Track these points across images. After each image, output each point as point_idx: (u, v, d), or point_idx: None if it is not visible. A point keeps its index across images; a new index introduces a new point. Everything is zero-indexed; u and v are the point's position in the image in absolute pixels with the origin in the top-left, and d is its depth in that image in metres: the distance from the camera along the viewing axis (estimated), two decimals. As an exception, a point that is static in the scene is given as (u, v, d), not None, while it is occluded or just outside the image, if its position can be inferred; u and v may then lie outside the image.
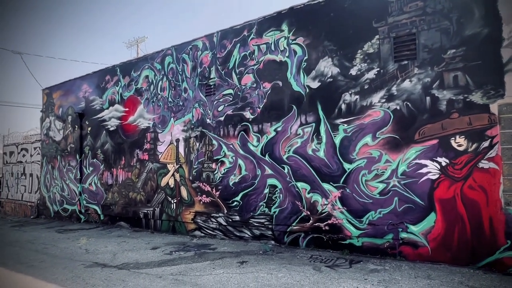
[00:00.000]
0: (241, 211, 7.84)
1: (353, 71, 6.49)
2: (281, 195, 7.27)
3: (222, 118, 8.32)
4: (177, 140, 9.23)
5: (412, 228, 5.72)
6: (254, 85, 7.80)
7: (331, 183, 6.62)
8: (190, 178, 8.88)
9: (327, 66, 6.79)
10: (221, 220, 8.20)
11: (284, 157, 7.26)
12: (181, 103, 9.24)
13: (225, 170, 8.18)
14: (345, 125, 6.52)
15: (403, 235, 5.79)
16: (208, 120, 8.60)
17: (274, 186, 7.37)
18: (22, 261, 7.03)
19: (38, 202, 13.95)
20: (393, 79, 6.06)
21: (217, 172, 8.33)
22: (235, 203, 7.96)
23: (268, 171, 7.48)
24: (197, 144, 8.80)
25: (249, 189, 7.73)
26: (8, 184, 16.35)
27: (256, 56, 7.80)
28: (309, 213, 6.86)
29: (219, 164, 8.31)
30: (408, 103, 5.89)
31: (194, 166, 8.81)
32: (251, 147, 7.77)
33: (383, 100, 6.13)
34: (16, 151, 15.95)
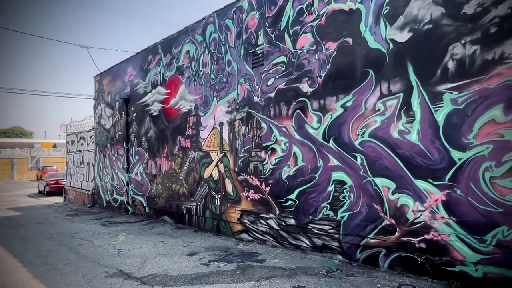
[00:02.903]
0: (297, 213, 6.08)
1: (468, 8, 4.19)
2: (351, 195, 5.32)
3: (272, 94, 6.56)
4: (221, 124, 7.74)
5: None
6: (314, 48, 5.86)
7: (429, 180, 4.47)
8: (236, 169, 7.33)
9: (423, 7, 4.57)
10: (272, 223, 6.53)
11: (356, 143, 5.26)
12: (224, 79, 7.68)
13: (277, 160, 6.45)
14: (454, 93, 4.28)
15: None
16: (255, 98, 6.91)
17: (342, 182, 5.44)
18: (48, 262, 6.24)
19: (93, 191, 13.84)
20: (547, 11, 3.66)
21: (267, 163, 6.64)
22: (290, 202, 6.21)
23: (333, 161, 5.56)
24: (243, 128, 7.19)
25: (308, 185, 5.91)
26: (71, 172, 16.78)
27: (315, 9, 5.82)
28: (393, 222, 4.81)
29: (269, 152, 6.61)
30: None
31: (240, 155, 7.24)
32: (310, 130, 5.90)
33: (526, 49, 3.78)
34: (76, 140, 16.20)
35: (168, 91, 9.44)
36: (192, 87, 8.60)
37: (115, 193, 12.11)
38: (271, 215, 6.54)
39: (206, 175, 8.14)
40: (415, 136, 4.62)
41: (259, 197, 6.81)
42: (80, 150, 15.75)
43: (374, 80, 5.05)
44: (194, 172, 8.50)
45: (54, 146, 43.73)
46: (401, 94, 4.76)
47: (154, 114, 9.98)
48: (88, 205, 14.02)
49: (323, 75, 5.73)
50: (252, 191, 6.95)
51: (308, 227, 5.89)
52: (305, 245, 5.97)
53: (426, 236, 4.47)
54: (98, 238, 7.96)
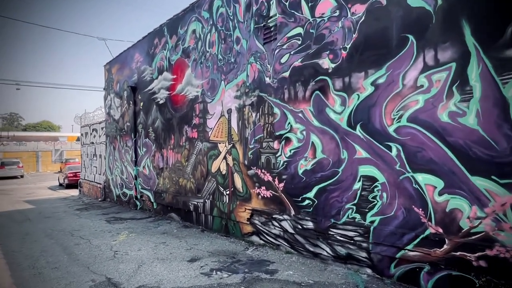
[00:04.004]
0: (316, 215, 5.07)
1: None
2: (384, 195, 4.25)
3: (286, 74, 5.53)
4: (229, 111, 6.80)
5: None
6: (336, 13, 4.76)
7: (493, 177, 3.34)
8: (245, 162, 6.40)
9: None
10: (286, 225, 5.56)
11: (391, 130, 4.17)
12: (232, 60, 6.71)
13: (292, 151, 5.45)
14: (533, 57, 3.11)
15: None
16: (267, 79, 5.91)
17: (372, 179, 4.38)
18: (37, 264, 5.59)
19: (105, 184, 13.36)
20: None
21: (280, 155, 5.65)
22: (307, 201, 5.21)
23: (361, 153, 4.50)
24: (253, 114, 6.22)
25: (329, 182, 4.89)
26: (85, 165, 16.48)
27: (339, -35, 4.71)
28: (441, 230, 3.72)
29: (282, 142, 5.61)
30: None
31: (250, 146, 6.29)
32: (332, 115, 4.85)
33: None
34: (89, 132, 15.82)
35: (174, 76, 8.60)
36: (198, 70, 7.69)
37: (124, 187, 11.52)
38: (285, 216, 5.56)
39: (213, 168, 7.26)
40: (472, 119, 3.48)
41: (271, 194, 5.85)
42: (93, 143, 15.35)
43: (416, 48, 3.92)
44: (201, 166, 7.64)
45: (78, 139, 44.58)
46: (453, 64, 3.62)
47: (161, 102, 9.18)
48: (99, 199, 13.59)
49: (348, 46, 4.63)
50: (263, 187, 6.00)
51: (329, 232, 4.87)
52: (325, 253, 4.97)
53: (488, 252, 3.36)
54: (97, 237, 7.30)
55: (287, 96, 5.53)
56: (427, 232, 3.83)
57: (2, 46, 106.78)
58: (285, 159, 5.56)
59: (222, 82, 6.96)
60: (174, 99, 8.60)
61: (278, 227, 5.71)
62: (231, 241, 6.52)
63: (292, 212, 5.45)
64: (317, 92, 5.05)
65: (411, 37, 3.96)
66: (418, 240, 3.89)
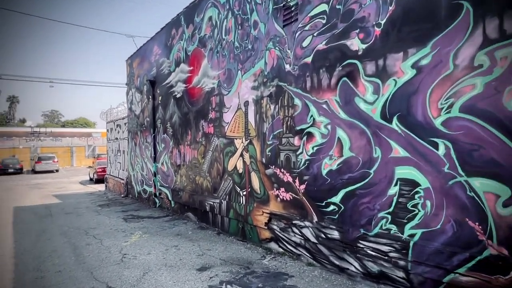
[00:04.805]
0: (343, 223, 4.33)
1: None
2: (428, 203, 3.45)
3: (308, 59, 4.80)
4: (246, 104, 6.17)
5: None
6: (368, -17, 3.97)
7: None
8: (263, 160, 5.74)
9: None
10: (308, 233, 4.86)
11: (438, 122, 3.35)
12: (249, 46, 6.06)
13: (315, 148, 4.73)
14: None
15: None
16: (287, 67, 5.21)
17: (412, 183, 3.58)
18: (42, 267, 5.30)
19: (127, 180, 13.25)
20: None
21: (302, 152, 4.94)
22: (332, 207, 4.48)
23: (398, 151, 3.70)
24: (272, 107, 5.54)
25: (358, 185, 4.13)
26: (110, 161, 16.57)
27: None
28: (506, 252, 2.88)
29: (304, 138, 4.90)
30: None
31: (268, 142, 5.62)
32: (362, 106, 4.08)
33: None
34: (114, 127, 15.84)
35: (191, 68, 8.09)
36: (214, 60, 7.12)
37: (144, 183, 11.27)
38: (307, 223, 4.86)
39: (230, 166, 6.67)
40: (555, 107, 2.61)
41: (291, 197, 5.16)
42: (117, 138, 15.34)
43: (472, 18, 3.07)
44: (218, 163, 7.08)
45: (110, 135, 45.94)
46: (526, 35, 2.75)
47: (178, 96, 8.73)
48: (122, 195, 13.51)
49: (382, 22, 3.83)
50: (282, 189, 5.33)
51: (358, 244, 4.12)
52: (353, 268, 4.23)
53: None
54: (110, 237, 6.98)
55: (309, 85, 4.80)
56: (486, 253, 2.99)
57: (37, 46, 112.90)
58: (307, 157, 4.84)
59: (239, 72, 6.34)
60: (191, 92, 8.10)
61: (299, 235, 5.02)
62: (247, 247, 5.92)
63: (315, 219, 4.74)
64: (345, 78, 4.28)
65: (466, 3, 3.11)
66: (473, 262, 3.07)
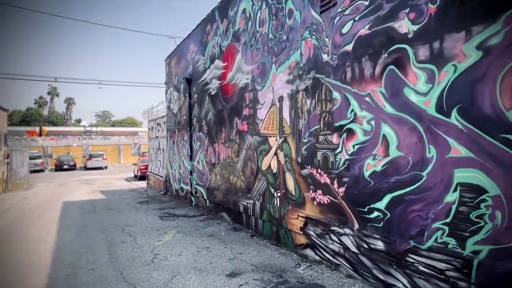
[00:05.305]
0: (389, 233, 3.78)
1: None
2: (498, 214, 2.81)
3: (349, 47, 4.28)
4: (281, 99, 5.77)
5: None
6: (421, -47, 3.37)
7: None
8: (299, 159, 5.31)
9: None
10: (347, 241, 4.35)
11: (511, 115, 2.71)
12: (284, 37, 5.65)
13: (356, 147, 4.21)
14: None
15: None
16: (324, 57, 4.72)
17: (476, 189, 2.96)
18: (76, 264, 5.35)
19: (166, 178, 13.46)
20: None
21: (341, 151, 4.44)
22: (376, 213, 3.94)
23: (458, 150, 3.09)
24: (308, 101, 5.08)
25: (407, 189, 3.56)
26: (151, 158, 17.02)
27: None
28: None
29: (344, 135, 4.40)
30: None
31: (304, 140, 5.18)
32: (413, 97, 3.50)
33: None
34: (154, 126, 16.23)
35: (225, 64, 7.85)
36: (248, 54, 6.80)
37: (181, 181, 11.32)
38: (347, 230, 4.35)
39: (264, 166, 6.32)
40: None
41: (329, 201, 4.68)
42: (157, 137, 15.70)
43: None
44: (251, 162, 6.76)
45: (154, 133, 47.96)
46: None
47: (213, 93, 8.56)
48: (161, 192, 13.76)
49: (438, -3, 3.23)
50: (319, 191, 4.86)
51: (408, 258, 3.55)
52: (401, 286, 3.66)
53: None
54: (145, 235, 6.96)
55: (349, 76, 4.28)
56: None
57: (85, 49, 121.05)
58: (347, 157, 4.33)
59: (273, 65, 5.95)
60: (225, 88, 7.87)
61: (338, 243, 4.53)
62: (281, 252, 5.52)
63: (356, 226, 4.22)
64: (391, 67, 3.72)
65: (554, -37, 2.45)
66: (563, 292, 2.41)
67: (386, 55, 3.77)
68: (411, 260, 3.52)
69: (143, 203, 11.49)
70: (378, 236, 3.90)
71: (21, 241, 6.90)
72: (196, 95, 9.80)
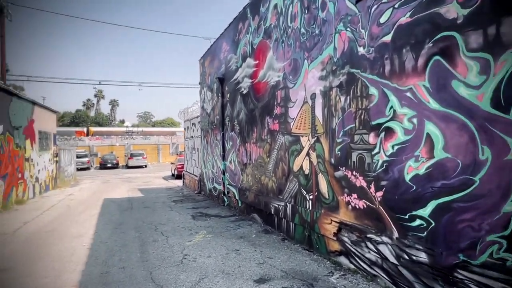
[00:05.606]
0: (433, 244, 3.37)
1: None
2: None
3: (387, 38, 3.91)
4: (313, 96, 5.47)
5: None
6: None
7: None
8: (332, 160, 4.99)
9: None
10: (385, 251, 3.98)
11: None
12: (317, 31, 5.34)
13: (395, 147, 3.82)
14: None
15: None
16: (360, 50, 4.37)
17: (543, 198, 2.50)
18: (109, 261, 5.46)
19: (200, 177, 13.59)
20: None
21: (379, 152, 4.07)
22: (418, 221, 3.54)
23: (520, 152, 2.64)
24: (342, 98, 4.75)
25: (456, 196, 3.14)
26: (187, 158, 17.33)
27: None
28: None
29: (382, 134, 4.03)
30: None
31: (338, 140, 4.85)
32: (462, 91, 3.08)
33: None
34: (190, 126, 16.50)
35: (256, 62, 7.68)
36: (280, 51, 6.56)
37: (214, 181, 11.35)
38: (385, 239, 3.98)
39: (295, 167, 6.05)
40: None
41: (365, 205, 4.32)
42: (192, 136, 15.94)
43: None
44: (283, 163, 6.52)
45: (192, 133, 49.20)
46: None
47: (244, 92, 8.43)
48: (196, 191, 13.93)
49: (495, -26, 2.79)
50: (354, 195, 4.51)
51: (456, 274, 3.13)
52: (448, 304, 3.24)
53: None
54: (176, 235, 6.99)
55: (388, 69, 3.91)
56: None
57: (127, 52, 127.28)
58: (385, 158, 3.96)
59: (305, 61, 5.67)
60: (256, 87, 7.70)
61: (374, 252, 4.16)
62: (313, 258, 5.23)
63: (395, 234, 3.84)
64: (437, 57, 3.31)
65: None
66: None
67: (431, 44, 3.37)
68: (460, 276, 3.10)
69: (177, 202, 11.68)
70: (421, 247, 3.50)
71: (63, 236, 7.22)
72: (228, 95, 9.74)
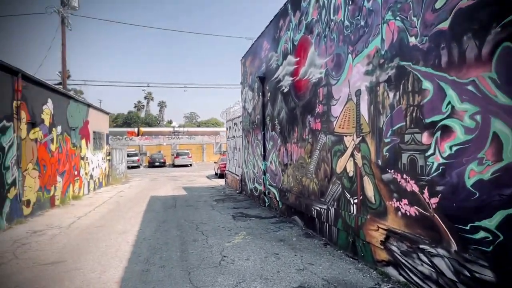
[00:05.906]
0: (501, 260, 2.90)
1: None
2: None
3: (444, 24, 3.46)
4: (358, 93, 5.10)
5: None
6: None
7: None
8: (379, 162, 4.59)
9: None
10: (441, 264, 3.53)
11: None
12: (362, 23, 4.96)
13: (454, 148, 3.37)
14: None
15: None
16: (411, 40, 3.94)
17: None
18: (150, 259, 5.56)
19: (241, 177, 13.60)
20: None
21: (433, 153, 3.63)
22: (482, 233, 3.07)
23: None
24: (391, 95, 4.34)
25: (531, 206, 2.65)
26: (229, 157, 17.49)
27: None
28: None
29: (437, 134, 3.58)
30: None
31: (386, 140, 4.44)
32: (541, 82, 2.59)
33: None
34: (232, 126, 16.61)
35: (297, 59, 7.42)
36: (322, 46, 6.25)
37: (255, 181, 11.25)
38: (441, 251, 3.54)
39: (338, 168, 5.71)
40: None
41: (417, 212, 3.89)
42: (234, 136, 16.03)
43: None
44: (325, 164, 6.20)
45: (235, 133, 50.04)
46: None
47: (285, 90, 8.20)
48: (237, 191, 13.97)
49: None
50: (405, 201, 4.09)
51: (532, 298, 2.65)
52: (521, 333, 2.76)
53: None
54: (216, 235, 6.98)
55: (445, 61, 3.46)
56: None
57: (174, 55, 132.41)
58: (442, 160, 3.51)
59: (349, 55, 5.30)
60: (297, 85, 7.44)
61: (428, 264, 3.73)
62: (357, 267, 4.87)
63: (453, 247, 3.39)
64: (507, 43, 2.83)
65: None
66: None
67: (499, 29, 2.89)
68: (537, 301, 2.61)
69: (219, 201, 11.78)
70: (486, 264, 3.03)
71: (111, 232, 7.55)
72: (269, 94, 9.57)
